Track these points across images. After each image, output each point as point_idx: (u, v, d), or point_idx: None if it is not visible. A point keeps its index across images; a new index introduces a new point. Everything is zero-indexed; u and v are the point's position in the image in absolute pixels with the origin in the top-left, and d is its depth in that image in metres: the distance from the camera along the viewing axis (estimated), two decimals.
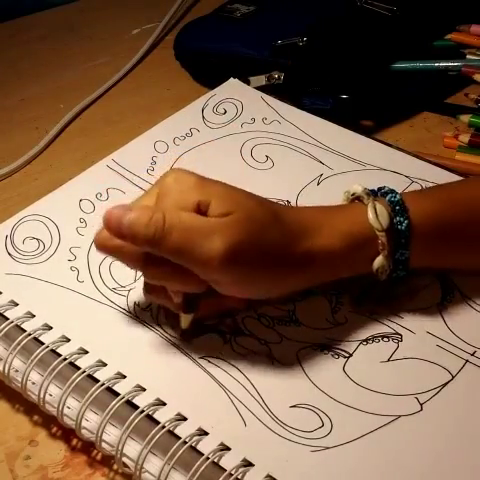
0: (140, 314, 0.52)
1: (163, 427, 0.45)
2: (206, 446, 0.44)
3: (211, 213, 0.46)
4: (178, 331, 0.50)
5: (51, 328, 0.50)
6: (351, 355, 0.49)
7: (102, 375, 0.48)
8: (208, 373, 0.48)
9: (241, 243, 0.45)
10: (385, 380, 0.47)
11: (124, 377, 0.48)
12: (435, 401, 0.46)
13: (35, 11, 0.94)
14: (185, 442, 0.44)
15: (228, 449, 0.44)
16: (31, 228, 0.57)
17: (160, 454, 0.45)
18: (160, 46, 0.87)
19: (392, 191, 0.50)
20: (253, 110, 0.69)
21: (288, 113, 0.68)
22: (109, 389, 0.47)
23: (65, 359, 0.48)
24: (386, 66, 0.74)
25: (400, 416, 0.46)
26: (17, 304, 0.52)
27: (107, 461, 0.47)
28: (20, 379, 0.49)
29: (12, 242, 0.56)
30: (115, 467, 0.47)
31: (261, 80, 0.73)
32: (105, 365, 0.48)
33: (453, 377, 0.48)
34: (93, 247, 0.55)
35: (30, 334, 0.50)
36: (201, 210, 0.46)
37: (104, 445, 0.46)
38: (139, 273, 0.54)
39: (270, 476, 0.43)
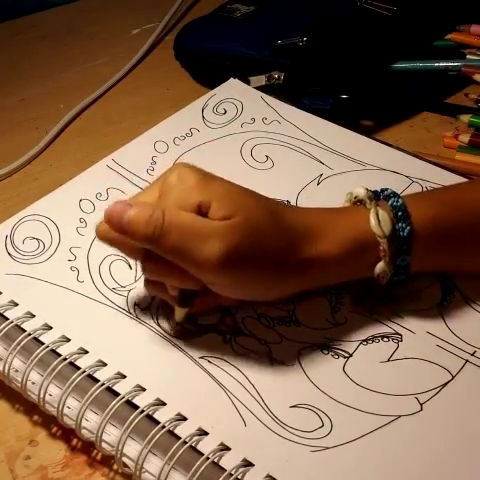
0: (140, 314, 0.52)
1: (163, 427, 0.45)
2: (206, 446, 0.44)
3: (211, 215, 0.46)
4: (172, 323, 0.50)
5: (51, 328, 0.50)
6: (351, 355, 0.49)
7: (102, 375, 0.48)
8: (208, 373, 0.48)
9: (239, 247, 0.45)
10: (385, 380, 0.47)
11: (124, 377, 0.48)
12: (435, 401, 0.46)
13: (35, 11, 0.94)
14: (185, 442, 0.44)
15: (228, 449, 0.44)
16: (31, 228, 0.57)
17: (160, 454, 0.45)
18: (160, 46, 0.87)
19: (395, 195, 0.50)
20: (253, 110, 0.69)
21: (288, 113, 0.68)
22: (109, 389, 0.47)
23: (65, 359, 0.48)
24: (386, 66, 0.74)
25: (400, 416, 0.46)
26: (17, 304, 0.52)
27: (107, 461, 0.47)
28: (20, 379, 0.48)
29: (12, 242, 0.56)
30: (115, 467, 0.47)
31: (261, 80, 0.73)
32: (105, 365, 0.48)
33: (453, 377, 0.48)
34: (93, 247, 0.56)
35: (30, 334, 0.50)
36: (202, 211, 0.46)
37: (104, 445, 0.46)
38: (139, 273, 0.54)
39: (270, 476, 0.43)
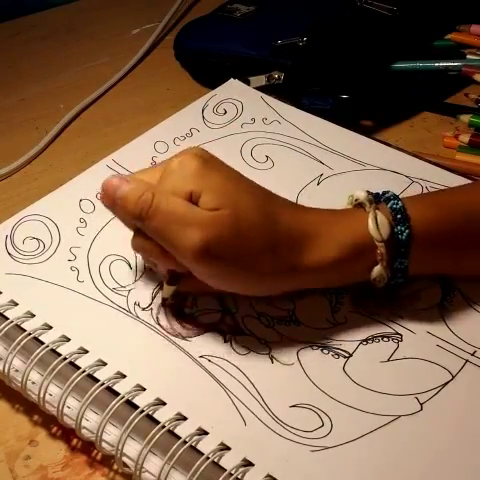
0: (140, 314, 0.52)
1: (163, 427, 0.45)
2: (206, 446, 0.44)
3: (201, 205, 0.46)
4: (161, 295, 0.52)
5: (51, 328, 0.50)
6: (351, 355, 0.49)
7: (102, 375, 0.48)
8: (208, 373, 0.48)
9: (220, 240, 0.46)
10: (385, 380, 0.47)
11: (124, 377, 0.48)
12: (435, 401, 0.46)
13: (35, 11, 0.94)
14: (185, 442, 0.44)
15: (228, 449, 0.44)
16: (31, 228, 0.57)
17: (160, 454, 0.45)
18: (160, 46, 0.87)
19: (395, 197, 0.50)
20: (253, 110, 0.69)
21: (288, 113, 0.68)
22: (109, 389, 0.47)
23: (65, 359, 0.48)
24: (386, 66, 0.74)
25: (400, 416, 0.46)
26: (17, 304, 0.52)
27: (107, 461, 0.47)
28: (20, 379, 0.48)
29: (12, 242, 0.56)
30: (115, 467, 0.47)
31: (261, 80, 0.73)
32: (105, 365, 0.48)
33: (453, 377, 0.48)
34: (93, 247, 0.56)
35: (30, 334, 0.50)
36: (193, 200, 0.46)
37: (104, 445, 0.46)
38: (139, 273, 0.54)
39: (270, 476, 0.43)
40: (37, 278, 0.54)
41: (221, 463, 0.43)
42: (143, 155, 0.64)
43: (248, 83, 0.72)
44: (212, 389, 0.47)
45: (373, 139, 0.65)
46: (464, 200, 0.51)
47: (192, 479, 0.43)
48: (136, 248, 0.50)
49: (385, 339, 0.50)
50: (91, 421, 0.47)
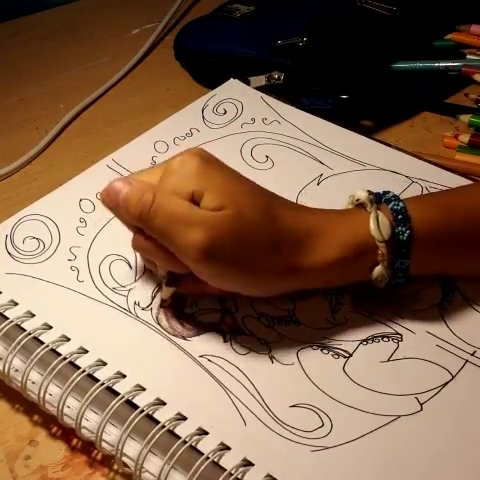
0: (140, 314, 0.52)
1: (163, 427, 0.45)
2: (206, 446, 0.44)
3: (203, 205, 0.46)
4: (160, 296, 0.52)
5: (51, 327, 0.50)
6: (351, 355, 0.49)
7: (102, 374, 0.48)
8: (208, 372, 0.48)
9: (221, 240, 0.46)
10: (385, 380, 0.47)
11: (124, 377, 0.48)
12: (435, 401, 0.46)
13: (35, 11, 0.94)
14: (185, 442, 0.44)
15: (228, 449, 0.44)
16: (31, 228, 0.57)
17: (160, 454, 0.45)
18: (160, 46, 0.87)
19: (396, 198, 0.50)
20: (253, 110, 0.69)
21: (288, 113, 0.68)
22: (109, 389, 0.47)
23: (65, 358, 0.48)
24: (386, 66, 0.74)
25: (400, 416, 0.46)
26: (17, 303, 0.52)
27: (107, 461, 0.47)
28: (20, 379, 0.48)
29: (12, 242, 0.56)
30: (115, 467, 0.47)
31: (261, 80, 0.73)
32: (105, 364, 0.48)
33: (453, 377, 0.48)
34: (93, 247, 0.56)
35: (30, 333, 0.50)
36: (195, 200, 0.46)
37: (104, 445, 0.46)
38: (139, 273, 0.54)
39: (270, 476, 0.43)
40: (37, 278, 0.54)
41: (221, 463, 0.43)
42: (143, 155, 0.64)
43: (248, 83, 0.72)
44: (212, 389, 0.47)
45: (373, 139, 0.65)
46: (464, 201, 0.51)
47: (192, 479, 0.43)
48: (136, 248, 0.50)
49: (385, 339, 0.50)
50: (91, 421, 0.47)
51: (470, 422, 0.45)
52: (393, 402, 0.46)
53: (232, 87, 0.71)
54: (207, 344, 0.50)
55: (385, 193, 0.51)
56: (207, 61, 0.78)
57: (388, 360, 0.49)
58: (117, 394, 0.47)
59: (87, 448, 0.48)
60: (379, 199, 0.50)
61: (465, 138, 0.68)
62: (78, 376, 0.47)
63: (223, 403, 0.46)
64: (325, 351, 0.49)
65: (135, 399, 0.46)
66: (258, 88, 0.72)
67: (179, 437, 0.44)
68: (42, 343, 0.49)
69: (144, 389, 0.47)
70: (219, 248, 0.46)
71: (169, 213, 0.46)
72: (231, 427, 0.45)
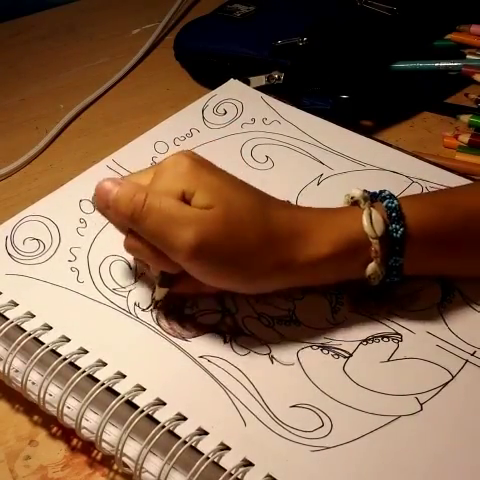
0: (140, 315, 0.52)
1: (163, 427, 0.45)
2: (206, 446, 0.44)
3: (193, 204, 0.46)
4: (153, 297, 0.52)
5: (51, 328, 0.50)
6: (351, 355, 0.49)
7: (102, 375, 0.48)
8: (208, 373, 0.48)
9: (213, 238, 0.46)
10: (385, 380, 0.47)
11: (124, 377, 0.48)
12: (435, 401, 0.46)
13: (35, 11, 0.94)
14: (185, 442, 0.44)
15: (228, 449, 0.44)
16: (31, 228, 0.57)
17: (160, 454, 0.45)
18: (160, 46, 0.87)
19: (391, 196, 0.50)
20: (253, 110, 0.69)
21: (288, 113, 0.68)
22: (109, 389, 0.47)
23: (65, 359, 0.48)
24: (386, 66, 0.74)
25: (400, 416, 0.46)
26: (17, 304, 0.52)
27: (107, 461, 0.47)
28: (20, 379, 0.48)
29: (12, 242, 0.56)
30: (115, 467, 0.47)
31: (261, 80, 0.73)
32: (105, 365, 0.48)
33: (453, 377, 0.48)
34: (93, 248, 0.56)
35: (30, 334, 0.50)
36: (186, 199, 0.47)
37: (104, 445, 0.46)
38: (139, 274, 0.54)
39: (270, 476, 0.43)
40: (37, 279, 0.54)
41: (221, 463, 0.43)
42: (143, 155, 0.64)
43: (248, 83, 0.72)
44: (212, 389, 0.47)
45: (373, 139, 0.65)
46: (462, 200, 0.51)
47: (192, 479, 0.43)
48: (128, 249, 0.50)
49: (385, 339, 0.50)
50: (91, 421, 0.47)
51: (470, 422, 0.45)
52: (393, 402, 0.46)
53: (232, 87, 0.71)
54: (207, 345, 0.50)
55: (381, 192, 0.51)
56: (207, 61, 0.78)
57: (388, 360, 0.49)
58: (117, 394, 0.47)
59: (87, 448, 0.48)
60: (374, 197, 0.50)
61: (465, 138, 0.68)
62: (78, 376, 0.47)
63: (223, 403, 0.46)
64: (325, 351, 0.49)
65: (135, 399, 0.46)
66: (258, 88, 0.72)
67: (179, 437, 0.44)
68: (42, 344, 0.49)
69: (144, 389, 0.47)
70: (209, 246, 0.46)
71: (161, 213, 0.46)
72: (231, 427, 0.45)
